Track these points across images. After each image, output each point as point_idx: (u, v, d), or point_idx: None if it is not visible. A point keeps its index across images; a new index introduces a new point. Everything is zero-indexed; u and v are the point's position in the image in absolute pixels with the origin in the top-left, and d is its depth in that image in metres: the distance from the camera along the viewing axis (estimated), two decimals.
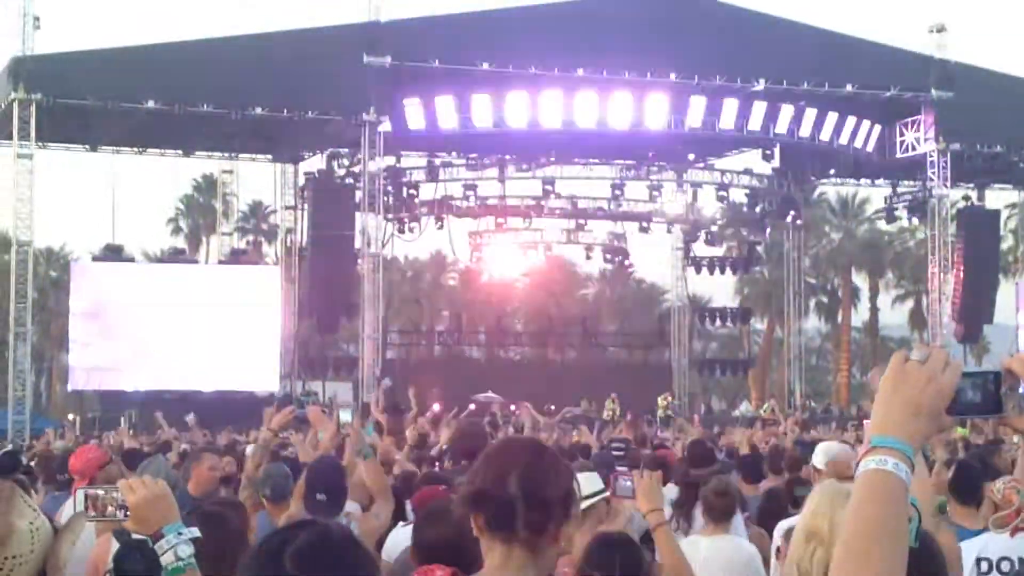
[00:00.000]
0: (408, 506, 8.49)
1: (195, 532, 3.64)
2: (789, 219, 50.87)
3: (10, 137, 38.75)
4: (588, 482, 7.12)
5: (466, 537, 5.07)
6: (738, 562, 7.16)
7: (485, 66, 40.29)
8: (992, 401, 2.53)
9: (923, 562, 3.25)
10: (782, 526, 6.99)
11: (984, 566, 6.36)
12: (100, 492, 3.73)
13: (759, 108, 43.03)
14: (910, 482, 2.46)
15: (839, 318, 72.26)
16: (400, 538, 7.26)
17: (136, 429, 30.16)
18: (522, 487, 3.50)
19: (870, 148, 45.80)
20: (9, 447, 23.30)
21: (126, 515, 3.65)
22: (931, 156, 44.88)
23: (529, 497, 3.49)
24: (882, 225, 62.02)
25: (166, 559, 3.58)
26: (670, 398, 46.69)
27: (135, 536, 3.65)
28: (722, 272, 53.03)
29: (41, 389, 66.96)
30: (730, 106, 42.77)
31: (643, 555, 5.24)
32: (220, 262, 48.82)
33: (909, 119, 45.16)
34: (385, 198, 43.04)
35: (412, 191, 46.76)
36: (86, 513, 3.75)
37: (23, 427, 37.17)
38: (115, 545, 6.14)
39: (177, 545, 3.59)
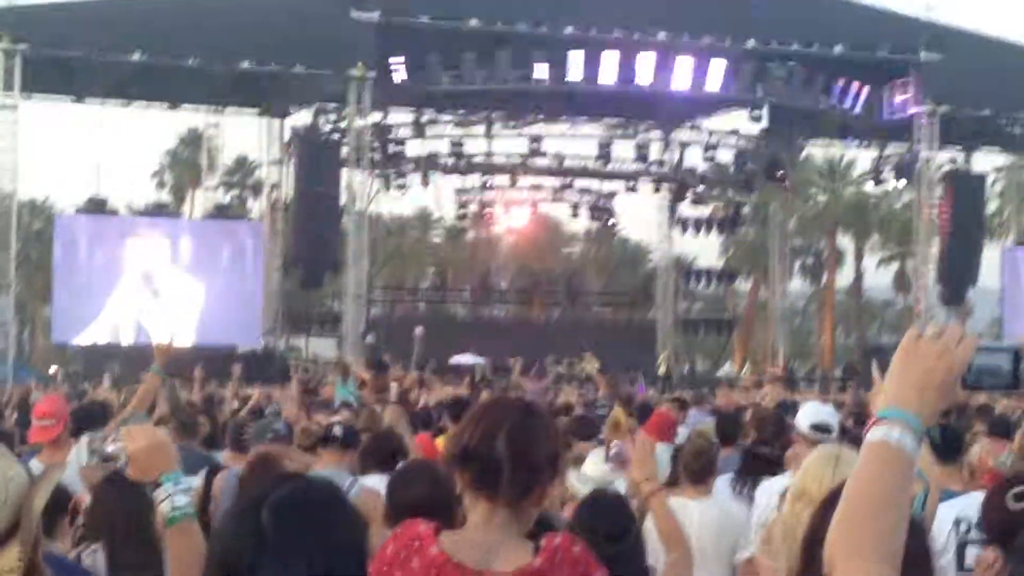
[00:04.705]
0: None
1: (192, 482, 3.66)
2: (775, 180, 50.85)
3: None
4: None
5: (443, 497, 5.07)
6: (729, 526, 7.17)
7: (474, 22, 40.12)
8: (1009, 376, 2.54)
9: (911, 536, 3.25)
10: (773, 487, 6.97)
11: (963, 527, 6.39)
12: (101, 439, 3.78)
13: (748, 68, 42.92)
14: (917, 454, 2.46)
15: (824, 280, 72.40)
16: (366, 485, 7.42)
17: (119, 383, 30.04)
18: (509, 447, 3.49)
19: (858, 110, 45.68)
20: None
21: (126, 463, 3.68)
22: (919, 119, 44.85)
23: (516, 458, 3.48)
24: (868, 187, 62.05)
25: (163, 508, 3.62)
26: (668, 358, 46.79)
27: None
28: (708, 232, 53.01)
29: (24, 341, 66.84)
30: (719, 65, 42.60)
31: (633, 516, 5.22)
32: (204, 217, 48.69)
33: (898, 81, 45.09)
34: (371, 154, 42.93)
35: (399, 147, 46.64)
36: (90, 459, 3.80)
37: (6, 378, 37.13)
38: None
39: (174, 494, 3.62)
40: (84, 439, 3.90)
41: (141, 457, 3.66)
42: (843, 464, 4.38)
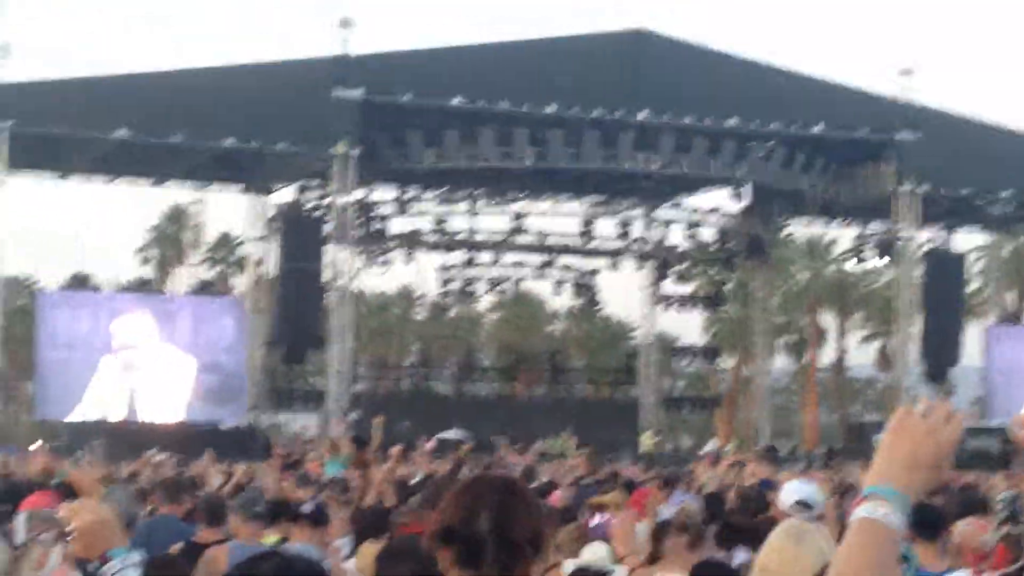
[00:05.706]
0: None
1: (135, 557, 3.62)
2: (757, 258, 51.03)
3: None
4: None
5: (429, 574, 5.08)
6: None
7: (456, 101, 40.39)
8: (998, 455, 2.54)
9: None
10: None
11: None
12: (44, 515, 3.72)
13: (729, 147, 43.19)
14: (902, 531, 2.47)
15: (806, 358, 72.34)
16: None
17: (105, 459, 29.84)
18: (492, 525, 3.47)
19: (839, 189, 46.01)
20: None
21: (69, 539, 3.63)
22: (898, 198, 45.13)
23: (499, 536, 3.46)
24: (850, 265, 62.25)
25: None
26: (656, 435, 46.62)
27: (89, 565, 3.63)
28: (691, 309, 53.11)
29: (7, 417, 66.45)
30: (700, 144, 42.90)
31: None
32: (188, 293, 48.59)
33: (878, 160, 45.40)
34: (354, 231, 43.02)
35: (382, 224, 46.70)
36: (29, 534, 3.72)
37: None
38: None
39: (123, 570, 3.56)
40: (21, 516, 3.81)
41: (86, 533, 3.61)
42: (806, 540, 4.37)
